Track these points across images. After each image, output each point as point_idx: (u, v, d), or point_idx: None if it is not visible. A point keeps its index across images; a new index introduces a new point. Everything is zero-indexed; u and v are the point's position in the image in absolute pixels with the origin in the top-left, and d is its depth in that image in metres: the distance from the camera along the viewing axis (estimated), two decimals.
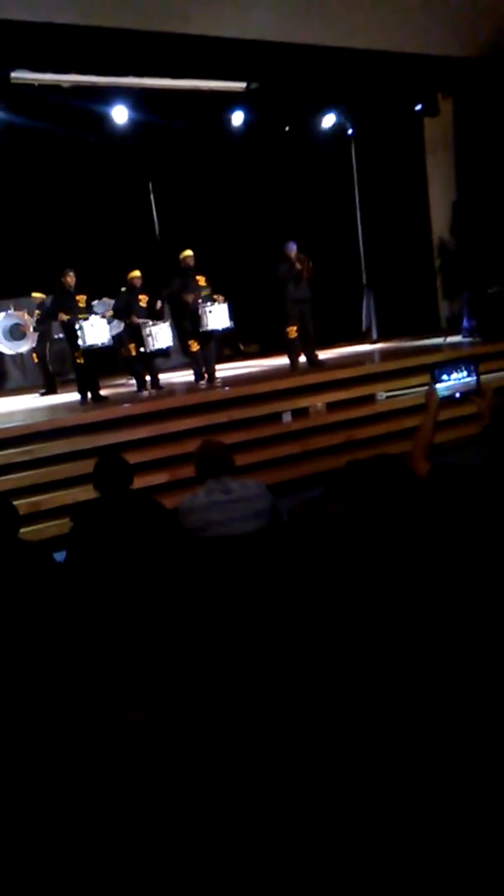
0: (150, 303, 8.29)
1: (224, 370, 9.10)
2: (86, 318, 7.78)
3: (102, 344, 7.81)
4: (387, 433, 6.88)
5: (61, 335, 8.56)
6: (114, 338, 8.31)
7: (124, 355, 8.55)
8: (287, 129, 10.43)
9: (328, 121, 10.25)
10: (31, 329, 9.90)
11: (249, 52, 8.19)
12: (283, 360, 8.82)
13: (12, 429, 6.28)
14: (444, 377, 2.79)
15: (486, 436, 2.50)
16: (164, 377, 8.81)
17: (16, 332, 10.90)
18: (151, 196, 12.38)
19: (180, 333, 9.00)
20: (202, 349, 8.16)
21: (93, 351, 7.78)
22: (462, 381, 2.80)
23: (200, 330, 7.99)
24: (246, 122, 9.51)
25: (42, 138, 8.93)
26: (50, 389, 9.51)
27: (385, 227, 11.06)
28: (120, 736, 1.66)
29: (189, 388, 8.19)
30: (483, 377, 2.86)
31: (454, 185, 10.79)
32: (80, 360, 7.86)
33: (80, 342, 7.68)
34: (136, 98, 8.68)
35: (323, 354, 8.75)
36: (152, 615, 2.41)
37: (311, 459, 6.52)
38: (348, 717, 1.62)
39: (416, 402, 6.87)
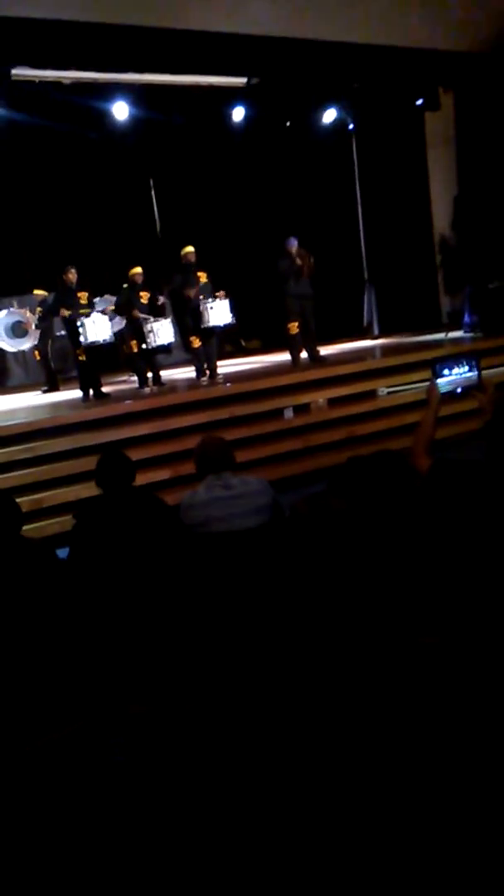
0: (152, 299, 8.29)
1: (225, 366, 9.10)
2: (87, 315, 7.78)
3: (104, 341, 7.81)
4: (388, 429, 6.89)
5: (63, 332, 8.56)
6: (115, 335, 8.31)
7: (126, 352, 8.56)
8: (288, 124, 10.40)
9: (329, 116, 10.22)
10: (33, 326, 9.90)
11: (249, 47, 8.17)
12: (285, 356, 8.82)
13: (14, 426, 6.29)
14: (446, 372, 2.79)
15: (487, 431, 2.51)
16: (165, 374, 8.81)
17: (18, 330, 10.91)
18: (152, 192, 12.36)
19: (182, 330, 8.99)
20: (203, 345, 8.16)
21: (94, 348, 7.78)
22: (463, 376, 2.80)
23: (202, 326, 7.98)
24: (246, 117, 9.48)
25: (43, 135, 8.92)
26: (52, 387, 9.51)
27: (386, 223, 11.03)
28: (122, 730, 1.66)
29: (191, 384, 8.19)
30: (484, 372, 2.87)
31: (455, 180, 10.75)
32: (82, 357, 7.86)
33: (81, 339, 7.68)
34: (137, 94, 8.66)
35: (324, 350, 8.74)
36: (154, 611, 2.42)
37: (313, 455, 6.52)
38: (350, 711, 1.63)
39: (417, 398, 6.87)
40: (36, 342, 9.85)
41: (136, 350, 8.17)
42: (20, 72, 7.70)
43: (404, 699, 1.63)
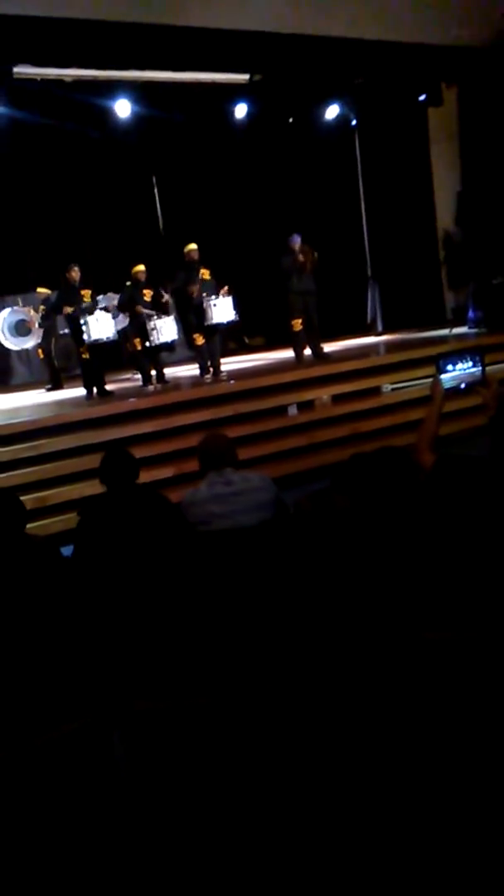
0: (157, 296, 8.29)
1: (229, 364, 9.09)
2: (91, 313, 7.78)
3: (107, 339, 7.81)
4: (392, 425, 6.87)
5: (67, 331, 8.57)
6: (119, 332, 8.32)
7: (129, 350, 8.56)
8: (290, 120, 10.38)
9: (332, 112, 10.19)
10: (37, 325, 9.91)
11: (252, 43, 8.15)
12: (289, 353, 8.81)
13: (18, 424, 6.30)
14: (450, 368, 2.77)
15: (491, 427, 2.50)
16: (169, 371, 8.81)
17: (21, 328, 10.93)
18: (155, 190, 12.35)
19: (185, 327, 8.99)
20: (207, 343, 8.15)
21: (98, 346, 7.78)
22: (467, 371, 2.78)
23: (205, 324, 7.98)
24: (249, 114, 9.46)
25: (45, 133, 8.92)
26: (56, 385, 9.53)
27: (389, 219, 11.01)
28: (127, 726, 1.67)
29: (194, 381, 8.19)
30: (488, 368, 2.84)
31: (459, 176, 10.72)
32: (86, 355, 7.87)
33: (85, 337, 7.69)
34: (139, 92, 8.66)
35: (328, 347, 8.73)
36: (159, 608, 2.42)
37: (317, 452, 6.52)
38: (353, 708, 1.63)
39: (421, 394, 6.85)
40: (39, 340, 9.86)
41: (139, 348, 8.18)
42: (22, 70, 7.70)
43: (408, 695, 1.63)
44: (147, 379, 8.25)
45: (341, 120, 10.51)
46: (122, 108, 8.68)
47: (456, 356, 2.80)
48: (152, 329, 7.96)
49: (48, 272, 9.60)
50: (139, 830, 1.60)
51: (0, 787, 1.62)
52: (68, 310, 7.88)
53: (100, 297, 8.12)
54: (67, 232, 10.79)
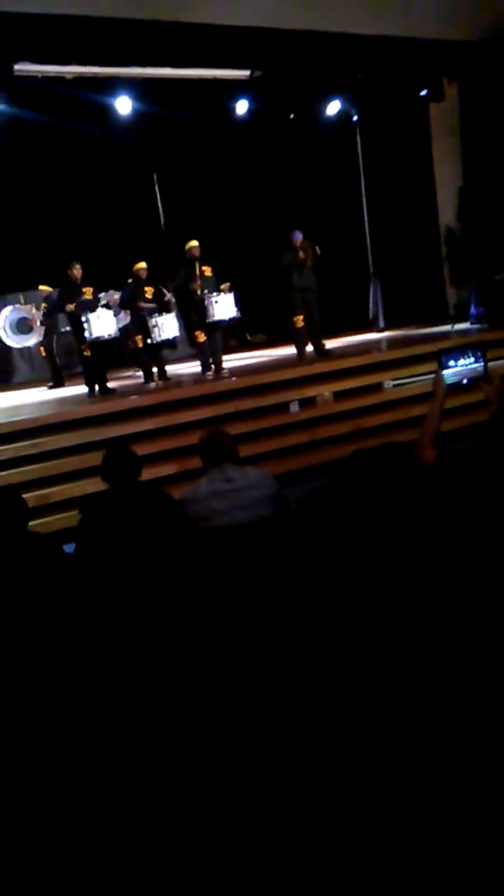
0: (158, 294, 8.29)
1: (231, 360, 9.08)
2: (93, 310, 7.78)
3: (109, 336, 7.80)
4: (394, 421, 6.87)
5: (68, 328, 8.57)
6: (120, 330, 8.31)
7: (131, 347, 8.55)
8: (291, 116, 10.36)
9: (333, 108, 10.17)
10: (38, 322, 9.91)
11: (252, 39, 8.13)
12: (290, 350, 8.80)
13: (20, 422, 6.30)
14: (452, 363, 2.77)
15: (493, 422, 2.49)
16: (170, 368, 8.80)
17: (23, 326, 10.94)
18: (156, 187, 12.34)
19: (187, 324, 8.99)
20: (209, 340, 8.15)
21: (99, 343, 7.78)
22: (469, 367, 2.78)
23: (207, 320, 7.97)
24: (250, 110, 9.44)
25: (46, 131, 8.91)
26: (57, 383, 9.53)
27: (391, 215, 10.99)
28: (129, 721, 1.67)
29: (196, 379, 8.18)
30: (490, 364, 2.85)
31: (461, 171, 10.70)
32: (87, 353, 7.87)
33: (86, 335, 7.68)
34: (140, 88, 8.64)
35: (330, 343, 8.72)
36: (160, 605, 2.42)
37: (319, 449, 6.51)
38: (353, 703, 1.63)
39: (423, 390, 6.84)
40: (41, 338, 9.87)
41: (140, 345, 8.17)
42: (22, 67, 7.69)
43: (409, 690, 1.63)
44: (149, 376, 8.24)
45: (342, 116, 10.49)
46: (123, 104, 8.66)
47: (458, 352, 2.80)
48: (154, 326, 7.96)
49: (50, 270, 9.60)
50: (142, 822, 1.60)
51: (6, 782, 1.62)
52: (70, 307, 7.87)
53: (101, 295, 8.11)
54: (69, 229, 10.78)
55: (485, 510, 2.05)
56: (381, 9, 8.49)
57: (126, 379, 9.18)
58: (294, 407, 7.00)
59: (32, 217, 11.03)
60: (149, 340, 8.05)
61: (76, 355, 8.79)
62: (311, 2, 8.03)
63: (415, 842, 1.46)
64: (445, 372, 2.76)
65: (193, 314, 8.23)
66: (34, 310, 10.11)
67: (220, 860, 1.52)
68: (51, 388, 9.48)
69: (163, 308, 8.22)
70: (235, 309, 7.98)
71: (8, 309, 10.97)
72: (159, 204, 12.41)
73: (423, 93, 10.17)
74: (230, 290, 7.95)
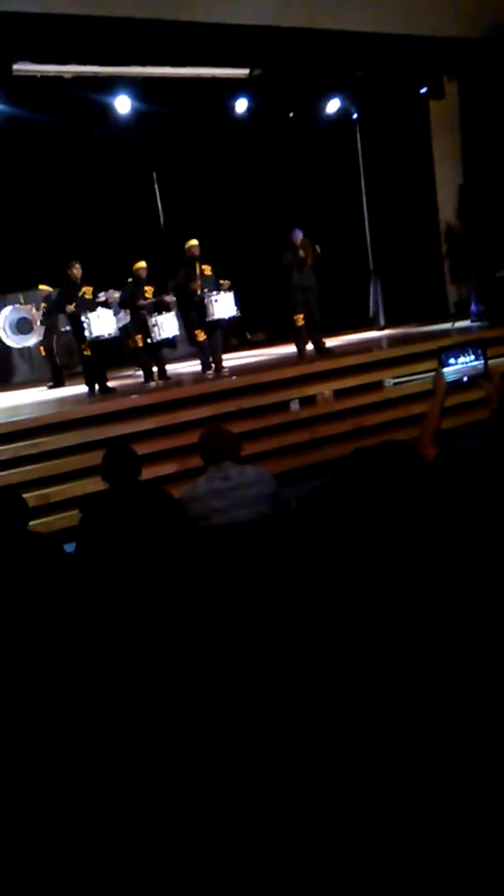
0: (158, 294, 8.29)
1: (231, 359, 9.08)
2: (92, 310, 7.78)
3: (109, 335, 7.80)
4: (395, 419, 6.86)
5: (68, 328, 8.57)
6: (120, 329, 8.31)
7: (131, 346, 8.55)
8: (291, 115, 10.35)
9: (332, 106, 10.15)
10: (38, 322, 9.91)
11: (251, 37, 8.12)
12: (291, 349, 8.79)
13: (20, 422, 6.30)
14: (452, 361, 2.77)
15: (494, 420, 2.49)
16: (170, 367, 8.80)
17: (23, 326, 10.94)
18: (156, 186, 12.34)
19: (186, 323, 8.98)
20: (209, 339, 8.14)
21: (99, 342, 7.78)
22: (470, 364, 2.78)
23: (207, 319, 7.96)
24: (249, 108, 9.43)
25: (45, 130, 8.90)
26: (58, 382, 9.53)
27: (391, 212, 10.98)
28: (129, 720, 1.67)
29: (196, 377, 8.18)
30: (491, 361, 2.85)
31: (461, 168, 10.68)
32: (87, 352, 7.86)
33: (86, 334, 7.68)
34: (139, 88, 8.63)
35: (330, 342, 8.72)
36: (161, 604, 2.42)
37: (320, 447, 6.51)
38: (355, 701, 1.62)
39: (424, 388, 6.83)
40: (41, 338, 9.87)
41: (140, 344, 8.17)
42: (21, 67, 7.68)
43: (410, 686, 1.63)
44: (149, 375, 8.24)
45: (342, 114, 10.47)
46: (122, 104, 8.65)
47: (458, 350, 2.80)
48: (153, 325, 7.95)
49: (49, 269, 9.60)
50: (142, 820, 1.60)
51: (7, 780, 1.62)
52: (70, 308, 7.87)
53: (101, 294, 8.10)
54: (68, 229, 10.77)
55: (485, 508, 2.05)
56: (380, 6, 8.48)
57: (126, 378, 9.18)
58: (294, 405, 6.99)
59: (32, 217, 11.02)
60: (149, 340, 8.05)
61: (76, 355, 8.79)
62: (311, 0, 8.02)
63: (415, 838, 1.46)
64: (446, 370, 2.76)
65: (193, 313, 8.22)
66: (34, 310, 10.10)
67: (221, 858, 1.51)
68: (51, 387, 9.48)
69: (162, 307, 8.22)
70: (235, 308, 7.98)
71: (8, 309, 10.97)
72: (159, 203, 12.41)
73: (423, 90, 10.15)
74: (230, 288, 7.94)
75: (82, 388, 8.19)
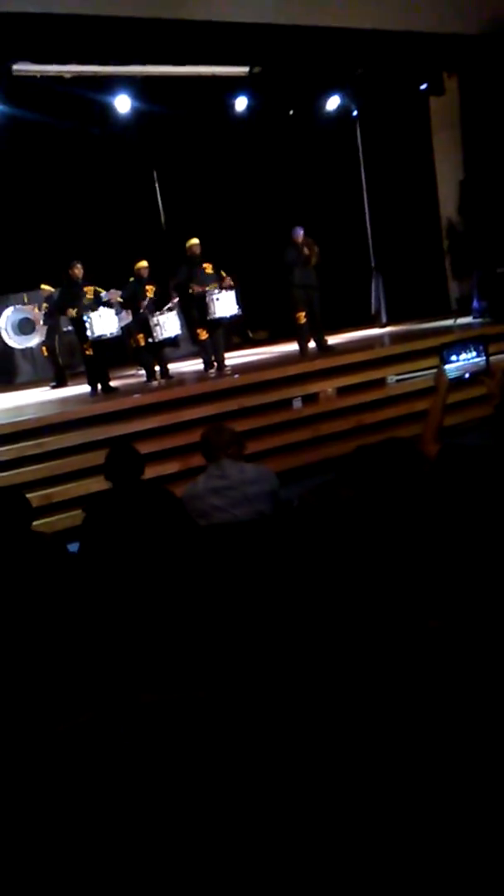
0: (158, 293, 8.29)
1: (233, 358, 9.08)
2: (94, 310, 7.78)
3: (111, 335, 7.81)
4: (397, 416, 6.86)
5: (70, 328, 8.58)
6: (122, 328, 8.32)
7: (133, 346, 8.56)
8: (291, 112, 10.34)
9: (333, 103, 10.14)
10: (41, 322, 9.92)
11: (251, 35, 8.11)
12: (293, 347, 8.79)
13: (23, 422, 6.31)
14: (454, 358, 2.77)
15: (496, 416, 2.49)
16: (173, 367, 8.80)
17: (25, 327, 10.94)
18: (156, 185, 12.33)
19: (188, 322, 8.99)
20: (211, 337, 8.15)
21: (101, 342, 7.78)
22: (471, 361, 2.78)
23: (208, 318, 7.97)
24: (249, 106, 9.42)
25: (45, 130, 8.90)
26: (60, 382, 9.54)
27: (392, 209, 10.96)
28: (133, 718, 1.67)
29: (198, 376, 8.18)
30: (493, 357, 2.84)
31: (461, 164, 10.65)
32: (89, 352, 7.87)
33: (88, 334, 7.69)
34: (139, 87, 8.63)
35: (332, 339, 8.71)
36: (165, 603, 2.43)
37: (322, 445, 6.51)
38: (358, 697, 1.62)
39: (426, 385, 6.78)
40: (43, 338, 9.88)
41: (142, 344, 8.18)
42: (21, 67, 7.68)
43: (411, 682, 1.63)
44: (151, 374, 8.25)
45: (342, 111, 10.46)
46: (122, 103, 8.66)
47: (460, 346, 2.79)
48: (155, 325, 7.96)
49: (51, 269, 9.60)
50: (146, 819, 1.61)
51: (11, 780, 1.63)
52: (72, 313, 7.87)
53: (102, 294, 8.11)
54: (69, 229, 10.78)
55: (488, 504, 2.05)
56: (379, 3, 8.46)
57: (128, 378, 9.18)
58: (297, 403, 6.99)
59: (33, 217, 11.03)
60: (150, 339, 8.05)
61: (78, 354, 8.80)
62: None
63: (417, 836, 1.46)
64: (448, 366, 2.76)
65: (195, 311, 8.23)
66: (36, 310, 10.11)
67: (226, 858, 1.52)
68: (54, 387, 9.49)
69: (163, 305, 8.23)
70: (237, 306, 7.98)
71: (9, 310, 10.99)
72: (160, 202, 12.40)
73: (423, 86, 10.14)
74: (232, 286, 7.94)
75: (85, 388, 8.20)
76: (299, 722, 1.65)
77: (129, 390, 7.81)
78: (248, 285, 9.46)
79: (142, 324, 8.12)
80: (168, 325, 7.98)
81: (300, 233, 8.16)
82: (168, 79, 8.75)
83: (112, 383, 8.01)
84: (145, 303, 8.06)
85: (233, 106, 9.38)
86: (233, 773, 1.62)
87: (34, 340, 10.69)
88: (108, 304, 8.09)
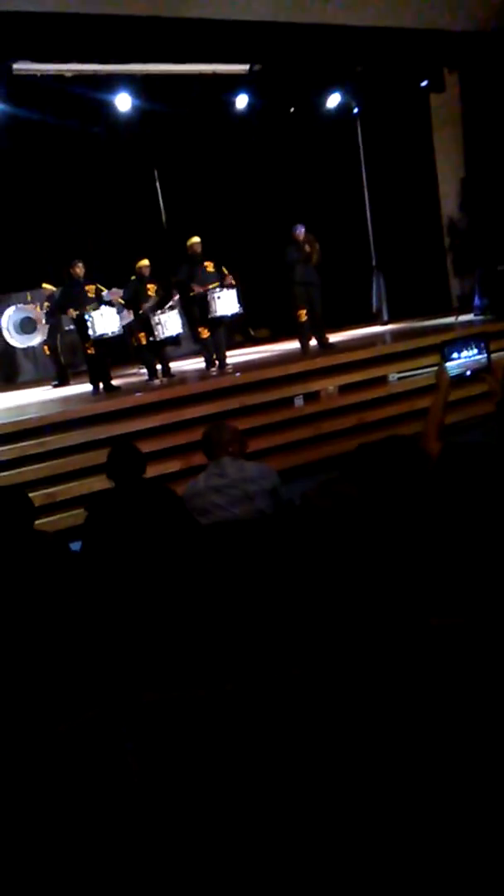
0: (159, 292, 8.28)
1: (235, 356, 9.08)
2: (96, 309, 7.78)
3: (113, 333, 7.80)
4: (399, 414, 6.86)
5: (72, 326, 8.58)
6: (124, 327, 8.32)
7: (134, 345, 8.56)
8: (292, 110, 10.32)
9: (333, 100, 10.12)
10: (42, 321, 9.92)
11: (251, 33, 8.11)
12: (294, 345, 8.79)
13: (25, 421, 6.31)
14: (455, 355, 2.77)
15: (498, 413, 2.49)
16: (174, 365, 8.80)
17: (27, 326, 10.95)
18: (157, 183, 12.32)
19: (190, 320, 8.99)
20: (212, 336, 8.14)
21: (103, 341, 7.78)
22: (473, 358, 2.78)
23: (209, 316, 7.96)
24: (250, 104, 9.41)
25: (46, 129, 8.89)
26: (62, 381, 9.55)
27: (393, 207, 10.95)
28: (136, 717, 1.68)
29: (200, 375, 8.18)
30: (494, 355, 2.84)
31: (462, 162, 10.65)
32: (91, 351, 7.87)
33: (90, 332, 7.69)
34: (139, 85, 8.63)
35: (333, 337, 8.71)
36: (167, 601, 2.43)
37: (324, 443, 6.51)
38: (361, 696, 1.63)
39: (428, 383, 6.81)
40: (45, 337, 9.89)
41: (144, 342, 8.18)
42: (21, 66, 7.68)
43: (415, 679, 1.63)
44: (153, 373, 8.25)
45: (343, 108, 10.44)
46: (123, 101, 8.65)
47: (461, 344, 2.79)
48: (157, 323, 7.96)
49: (52, 268, 9.61)
50: (148, 819, 1.61)
51: (12, 779, 1.63)
52: (73, 313, 7.88)
53: (104, 293, 8.11)
54: (70, 228, 10.78)
55: (490, 502, 2.05)
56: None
57: (130, 376, 9.18)
58: (299, 401, 6.99)
59: (34, 216, 11.04)
60: (152, 338, 8.05)
61: (80, 353, 8.80)
62: None
63: (417, 834, 1.47)
64: (449, 364, 2.75)
65: (196, 310, 8.23)
66: (38, 309, 10.12)
67: (228, 859, 1.52)
68: (55, 386, 9.50)
69: (165, 304, 8.23)
70: (238, 305, 7.97)
71: (11, 309, 10.99)
72: (160, 200, 12.39)
73: (424, 83, 10.12)
74: (233, 285, 7.93)
75: (87, 387, 8.20)
76: (302, 720, 1.65)
77: (130, 389, 7.81)
78: (249, 283, 9.46)
79: (143, 322, 8.12)
80: (169, 323, 7.98)
81: (301, 230, 8.15)
82: (168, 77, 8.75)
83: (114, 382, 8.01)
84: (147, 305, 8.05)
85: (233, 104, 9.37)
86: (236, 771, 1.63)
87: (36, 339, 10.70)
88: (110, 304, 8.09)
